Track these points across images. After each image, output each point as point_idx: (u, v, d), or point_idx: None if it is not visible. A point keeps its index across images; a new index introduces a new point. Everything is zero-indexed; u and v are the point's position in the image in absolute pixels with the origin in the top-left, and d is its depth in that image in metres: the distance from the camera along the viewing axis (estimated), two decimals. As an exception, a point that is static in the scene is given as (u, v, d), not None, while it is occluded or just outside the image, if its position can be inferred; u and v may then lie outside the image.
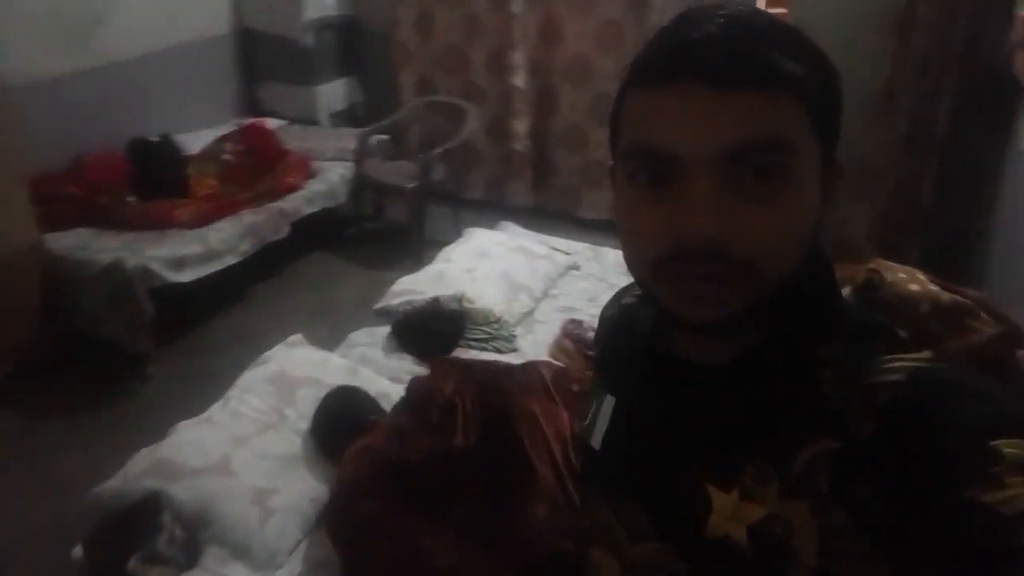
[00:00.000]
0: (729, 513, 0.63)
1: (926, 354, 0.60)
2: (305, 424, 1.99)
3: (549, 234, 3.30)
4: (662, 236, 0.59)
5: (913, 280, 1.20)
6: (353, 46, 4.78)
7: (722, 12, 0.58)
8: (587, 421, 0.81)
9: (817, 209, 0.61)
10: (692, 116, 0.57)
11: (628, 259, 0.66)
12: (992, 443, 0.51)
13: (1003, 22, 2.69)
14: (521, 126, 4.31)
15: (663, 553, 0.70)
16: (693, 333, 0.67)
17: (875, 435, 0.57)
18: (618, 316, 0.86)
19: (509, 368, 2.06)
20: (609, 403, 0.78)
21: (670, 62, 0.58)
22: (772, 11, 4.09)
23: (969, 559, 0.50)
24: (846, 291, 1.76)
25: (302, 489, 1.83)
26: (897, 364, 0.59)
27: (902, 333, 0.64)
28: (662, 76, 0.58)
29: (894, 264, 1.16)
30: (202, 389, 2.74)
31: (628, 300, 0.85)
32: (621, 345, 0.81)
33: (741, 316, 0.60)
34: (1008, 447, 0.51)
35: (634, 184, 0.61)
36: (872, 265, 1.16)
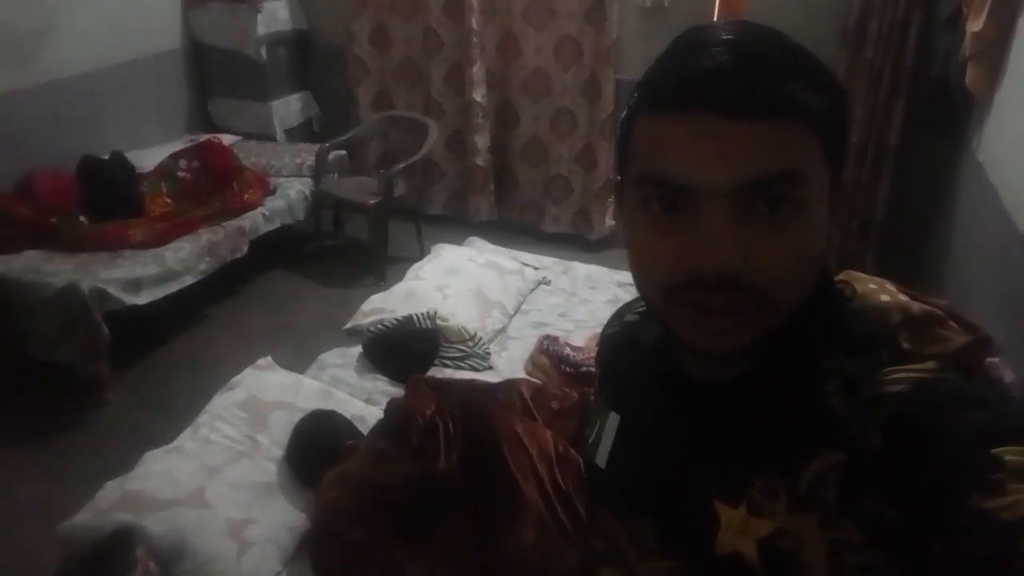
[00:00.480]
0: (738, 528, 0.63)
1: (930, 364, 0.61)
2: (280, 451, 1.94)
3: (513, 248, 3.29)
4: (676, 264, 0.59)
5: (883, 291, 1.22)
6: (307, 60, 4.72)
7: (732, 38, 0.58)
8: (592, 439, 0.81)
9: (827, 232, 0.63)
10: (706, 149, 0.57)
11: (639, 282, 0.66)
12: (993, 451, 0.52)
13: (953, 37, 2.79)
14: (481, 141, 4.30)
15: (672, 570, 0.70)
16: (704, 358, 0.68)
17: (881, 447, 0.57)
18: (620, 334, 0.86)
19: (488, 387, 2.04)
20: (614, 420, 0.78)
21: (683, 92, 0.58)
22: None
23: (973, 567, 0.50)
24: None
25: (279, 518, 1.77)
26: (901, 375, 0.60)
27: (905, 344, 0.64)
28: (675, 106, 0.58)
29: (864, 275, 1.18)
30: (162, 414, 2.66)
31: (630, 318, 0.86)
32: (625, 363, 0.82)
33: (754, 344, 0.61)
34: (1009, 454, 0.51)
35: (647, 209, 0.62)
36: (842, 276, 1.17)
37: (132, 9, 3.98)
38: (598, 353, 0.92)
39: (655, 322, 0.74)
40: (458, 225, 4.30)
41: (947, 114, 2.96)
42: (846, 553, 0.58)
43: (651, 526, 0.71)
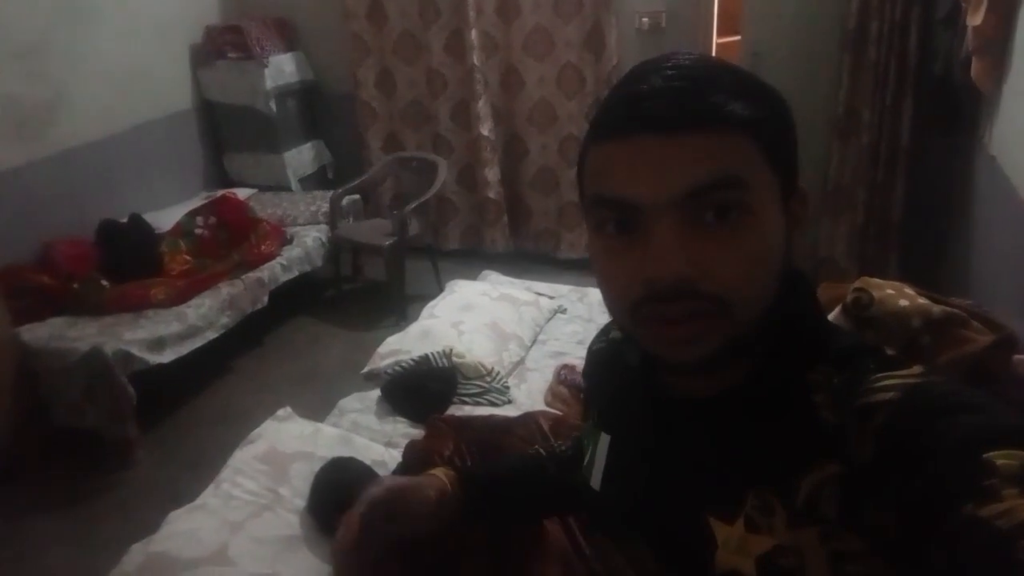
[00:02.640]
0: (735, 546, 0.63)
1: (916, 369, 0.61)
2: (302, 502, 1.93)
3: (530, 278, 3.28)
4: (635, 280, 0.61)
5: (902, 295, 1.18)
6: (317, 110, 4.80)
7: (668, 64, 0.62)
8: (585, 462, 0.81)
9: (781, 238, 0.64)
10: (646, 165, 0.59)
11: (609, 306, 0.68)
12: (984, 456, 0.51)
13: (953, 33, 2.76)
14: (492, 174, 4.32)
15: None
16: (679, 373, 0.69)
17: (875, 456, 0.57)
18: (606, 351, 0.87)
19: (507, 422, 2.02)
20: (604, 442, 0.78)
21: (621, 116, 0.61)
22: (725, 40, 4.18)
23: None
24: (835, 311, 1.74)
25: (304, 571, 1.75)
26: (888, 382, 0.60)
27: (889, 350, 0.65)
28: (615, 130, 0.61)
29: (881, 280, 1.15)
30: (192, 471, 2.67)
31: (615, 335, 0.86)
32: (611, 382, 0.83)
33: (721, 353, 0.62)
34: (1000, 459, 0.51)
35: (603, 233, 0.64)
36: (858, 284, 1.15)
37: (141, 74, 4.09)
38: (584, 368, 0.93)
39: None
40: (475, 259, 4.32)
41: (956, 110, 2.91)
42: (848, 565, 0.57)
43: (648, 547, 0.71)
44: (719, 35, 4.05)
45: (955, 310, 1.33)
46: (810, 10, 3.30)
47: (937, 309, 1.52)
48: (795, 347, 0.65)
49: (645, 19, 3.92)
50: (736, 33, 3.74)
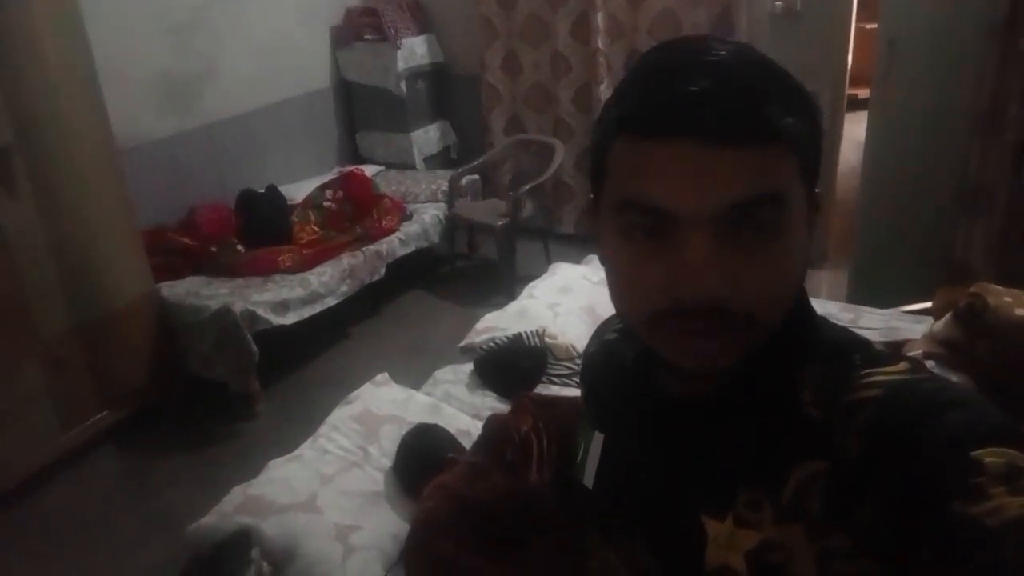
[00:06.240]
0: (725, 542, 0.62)
1: (902, 366, 0.60)
2: (388, 461, 2.04)
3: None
4: (661, 291, 0.58)
5: (1020, 304, 1.12)
6: (444, 91, 4.94)
7: (708, 59, 0.57)
8: (579, 460, 0.80)
9: (806, 249, 0.62)
10: (689, 175, 0.56)
11: (622, 309, 0.65)
12: (972, 454, 0.51)
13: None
14: (610, 159, 4.31)
15: None
16: (679, 374, 0.67)
17: (861, 453, 0.56)
18: (600, 352, 0.85)
19: (588, 404, 2.04)
20: (598, 440, 0.78)
21: (664, 117, 0.57)
22: (863, 26, 3.92)
23: (961, 575, 0.49)
24: (947, 316, 1.66)
25: (384, 526, 1.87)
26: (874, 379, 0.59)
27: (878, 346, 0.63)
28: (656, 130, 0.57)
29: (1000, 288, 1.09)
30: (305, 426, 2.84)
31: (609, 336, 0.85)
32: (605, 382, 0.81)
33: (738, 361, 0.61)
34: (988, 456, 0.50)
35: (629, 236, 0.60)
36: (975, 288, 1.10)
37: (285, 52, 4.35)
38: (581, 372, 0.92)
39: (633, 340, 0.74)
40: (587, 244, 4.32)
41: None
42: (836, 563, 0.57)
43: (641, 545, 0.71)
44: (857, 21, 3.83)
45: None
46: (953, -6, 3.07)
47: (1057, 322, 1.39)
48: (788, 345, 0.64)
49: (779, 2, 3.78)
50: (874, 20, 3.52)
